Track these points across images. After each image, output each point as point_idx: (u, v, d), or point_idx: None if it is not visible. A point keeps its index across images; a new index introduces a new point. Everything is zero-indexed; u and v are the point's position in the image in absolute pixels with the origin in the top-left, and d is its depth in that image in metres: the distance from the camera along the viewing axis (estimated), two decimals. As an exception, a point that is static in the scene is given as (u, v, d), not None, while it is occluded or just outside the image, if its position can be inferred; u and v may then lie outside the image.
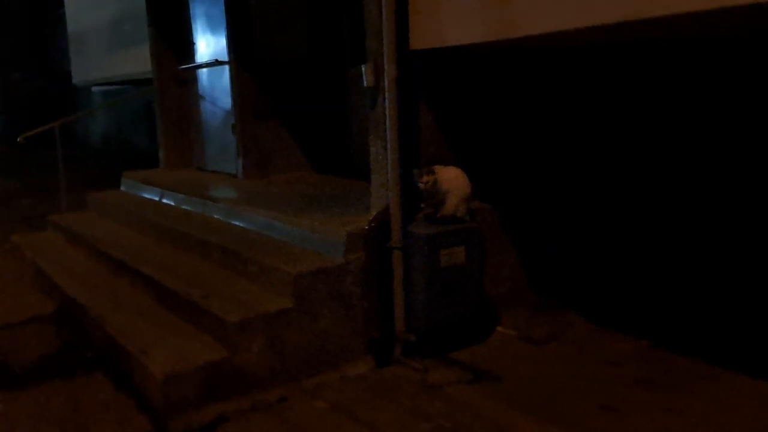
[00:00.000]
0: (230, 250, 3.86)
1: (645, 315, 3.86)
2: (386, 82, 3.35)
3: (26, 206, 8.30)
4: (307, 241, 3.67)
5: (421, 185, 3.45)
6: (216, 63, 5.65)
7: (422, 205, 3.57)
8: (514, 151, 4.07)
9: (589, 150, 4.13)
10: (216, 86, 5.87)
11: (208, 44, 5.91)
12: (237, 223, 4.34)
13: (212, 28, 5.81)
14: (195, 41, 6.15)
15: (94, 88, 12.73)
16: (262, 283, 3.52)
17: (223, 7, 5.47)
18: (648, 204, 3.95)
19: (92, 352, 3.75)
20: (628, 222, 4.07)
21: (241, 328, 3.14)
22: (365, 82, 3.56)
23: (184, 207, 5.05)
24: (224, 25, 5.51)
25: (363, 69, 3.55)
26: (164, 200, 5.36)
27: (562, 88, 4.13)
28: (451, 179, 3.51)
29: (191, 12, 6.16)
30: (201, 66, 5.99)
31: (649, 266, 3.97)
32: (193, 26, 6.15)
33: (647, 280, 3.96)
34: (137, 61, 7.89)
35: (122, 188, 6.27)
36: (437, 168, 3.50)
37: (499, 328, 3.88)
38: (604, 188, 4.07)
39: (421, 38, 3.38)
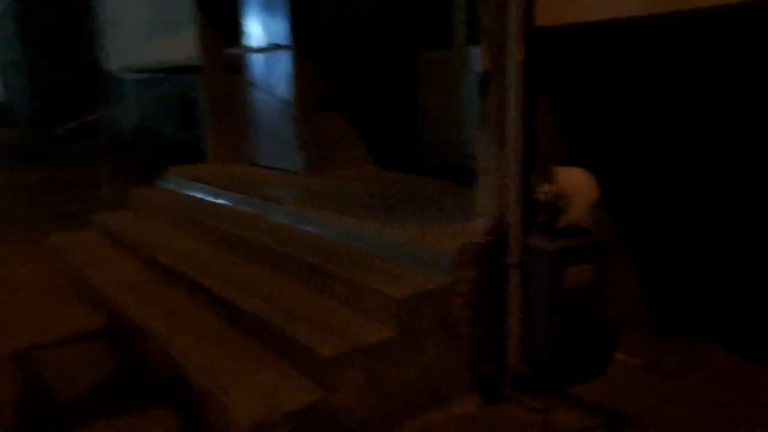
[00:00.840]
0: (309, 263, 3.34)
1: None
2: (511, 67, 2.78)
3: (59, 203, 7.85)
4: (403, 254, 3.13)
5: (541, 195, 2.89)
6: (275, 47, 5.12)
7: (538, 213, 3.02)
8: (635, 150, 3.48)
9: (719, 153, 3.53)
10: (271, 73, 5.34)
11: (263, 27, 5.37)
12: (308, 229, 3.81)
13: (267, 9, 5.27)
14: (246, 24, 5.61)
15: (127, 76, 12.28)
16: (353, 306, 2.99)
17: (281, -14, 4.94)
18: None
19: (152, 378, 3.26)
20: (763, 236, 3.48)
21: (337, 364, 2.61)
22: (479, 67, 3.00)
23: (241, 208, 4.54)
24: (281, 4, 4.97)
25: (476, 52, 3.00)
26: (219, 200, 4.85)
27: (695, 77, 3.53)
28: (575, 183, 2.96)
29: (242, -8, 5.64)
30: (257, 50, 5.46)
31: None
32: (245, 8, 5.61)
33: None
34: (178, 47, 7.39)
35: (167, 185, 5.77)
36: (559, 170, 2.95)
37: (618, 355, 3.32)
38: (741, 195, 3.47)
39: (550, 13, 2.81)
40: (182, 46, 6.78)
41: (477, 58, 3.02)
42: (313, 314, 2.99)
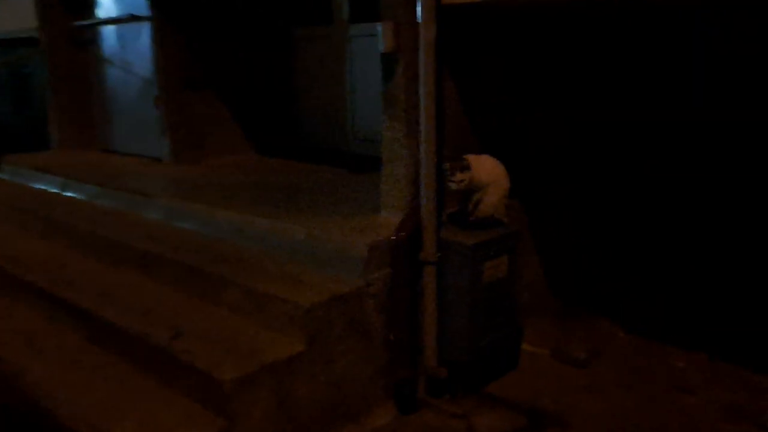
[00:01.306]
0: (193, 267, 2.91)
1: (683, 318, 3.35)
2: (422, 47, 2.52)
3: None
4: (303, 253, 2.80)
5: (453, 185, 2.68)
6: (130, 18, 4.50)
7: (447, 204, 2.82)
8: (539, 136, 3.38)
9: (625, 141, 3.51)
10: (129, 48, 4.71)
11: (116, -5, 4.72)
12: (187, 226, 3.36)
13: (121, -25, 4.63)
14: (96, -9, 4.92)
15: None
16: (251, 317, 2.62)
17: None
18: (676, 200, 3.42)
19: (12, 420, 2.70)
20: (652, 217, 3.53)
21: (240, 388, 2.25)
22: (381, 47, 2.71)
23: (102, 203, 3.95)
24: (139, -31, 4.39)
25: (379, 29, 2.69)
26: (71, 193, 4.20)
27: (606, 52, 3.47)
28: (488, 171, 2.78)
29: (89, -47, 4.92)
30: (110, 22, 4.79)
31: (679, 263, 3.46)
32: (93, -28, 4.92)
33: (677, 278, 3.45)
34: (12, 17, 6.40)
35: (2, 176, 4.97)
36: (471, 159, 2.75)
37: (526, 346, 3.22)
38: (637, 182, 3.48)
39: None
40: (17, 15, 5.86)
41: (378, 36, 2.73)
42: (205, 329, 2.58)
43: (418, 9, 2.63)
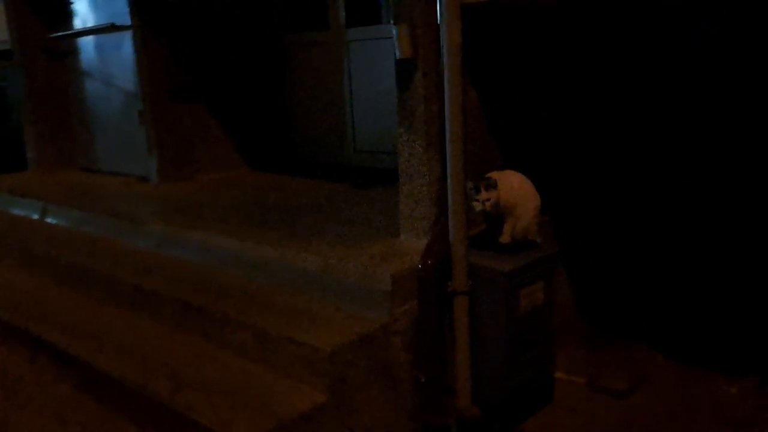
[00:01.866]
0: (192, 305, 2.60)
1: (727, 340, 3.08)
2: (446, 51, 2.24)
3: None
4: (319, 287, 2.51)
5: (479, 205, 2.40)
6: (111, 28, 4.17)
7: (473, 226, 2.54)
8: (552, 139, 3.11)
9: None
10: (110, 59, 4.39)
11: (96, 5, 4.38)
12: (181, 255, 3.06)
13: (99, -18, 4.31)
14: (75, 2, 4.58)
15: None
16: (263, 362, 2.32)
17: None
18: (708, 206, 3.15)
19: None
20: (683, 226, 3.26)
21: (257, 450, 1.95)
22: (397, 53, 2.43)
23: (85, 230, 3.63)
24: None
25: (394, 33, 2.41)
26: (51, 219, 3.87)
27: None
28: (516, 189, 2.51)
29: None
30: (88, 33, 4.45)
31: (715, 276, 3.20)
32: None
33: (716, 294, 3.19)
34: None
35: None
36: (497, 176, 2.47)
37: (560, 375, 2.95)
38: (672, 194, 3.21)
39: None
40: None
41: (394, 41, 2.44)
42: (211, 377, 2.28)
43: (438, 9, 2.36)
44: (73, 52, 4.71)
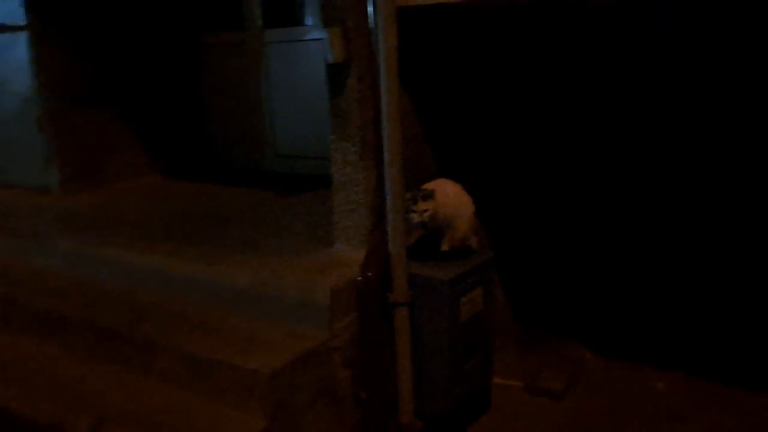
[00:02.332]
0: (112, 330, 2.39)
1: (653, 334, 3.17)
2: (383, 55, 2.15)
3: None
4: (251, 304, 2.36)
5: (416, 216, 2.34)
6: (3, 28, 3.81)
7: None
8: (493, 147, 3.10)
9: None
10: (2, 62, 4.00)
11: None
12: (94, 275, 2.81)
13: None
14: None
15: None
16: (193, 388, 2.15)
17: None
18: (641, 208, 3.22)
19: None
20: (612, 227, 3.33)
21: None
22: (329, 57, 2.32)
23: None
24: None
25: (326, 37, 2.30)
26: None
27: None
28: (452, 197, 2.47)
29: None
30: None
31: (644, 274, 3.28)
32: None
33: (643, 292, 3.27)
34: None
35: None
36: (433, 185, 2.42)
37: (497, 380, 2.93)
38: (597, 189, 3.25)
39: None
40: None
41: (326, 45, 2.33)
42: (135, 409, 2.09)
43: (370, 12, 2.28)
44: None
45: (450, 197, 2.45)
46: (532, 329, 3.30)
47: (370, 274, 2.27)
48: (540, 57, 2.97)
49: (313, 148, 3.92)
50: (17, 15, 3.75)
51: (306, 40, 3.89)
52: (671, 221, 2.94)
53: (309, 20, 3.98)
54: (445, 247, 2.45)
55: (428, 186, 2.41)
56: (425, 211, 2.35)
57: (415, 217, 2.35)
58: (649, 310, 3.12)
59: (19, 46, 3.81)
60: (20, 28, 3.77)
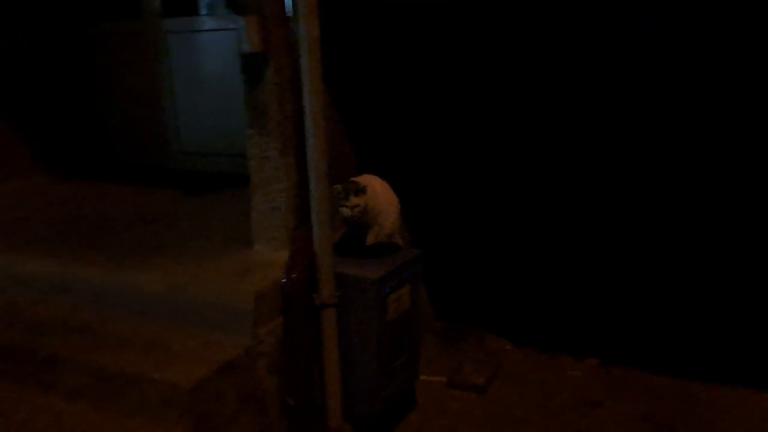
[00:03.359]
0: (7, 347, 2.15)
1: (567, 323, 3.26)
2: (304, 45, 2.05)
3: None
4: (167, 312, 2.20)
5: (347, 210, 2.27)
6: None
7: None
8: (415, 142, 3.07)
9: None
10: None
11: None
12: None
13: None
14: None
15: None
16: (105, 406, 1.97)
17: None
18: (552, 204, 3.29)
19: None
20: (527, 220, 3.38)
21: None
22: (246, 46, 2.20)
23: None
24: None
25: (242, 25, 2.17)
26: None
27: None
28: (380, 194, 2.41)
29: None
30: None
31: (557, 267, 3.37)
32: None
33: (556, 284, 3.36)
34: None
35: None
36: (363, 179, 2.36)
37: (422, 376, 2.91)
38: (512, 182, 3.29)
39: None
40: None
41: (242, 35, 2.21)
42: (40, 429, 1.89)
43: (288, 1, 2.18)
44: None
45: (377, 193, 2.39)
46: (453, 324, 3.31)
47: (294, 275, 2.16)
48: (462, 49, 2.95)
49: (221, 145, 3.75)
50: None
51: (207, 30, 3.72)
52: (585, 213, 3.02)
53: (204, 10, 3.79)
54: (370, 242, 2.39)
55: (359, 179, 2.34)
56: (356, 206, 2.28)
57: (346, 212, 2.28)
58: (566, 302, 3.20)
59: None
60: None
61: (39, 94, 3.90)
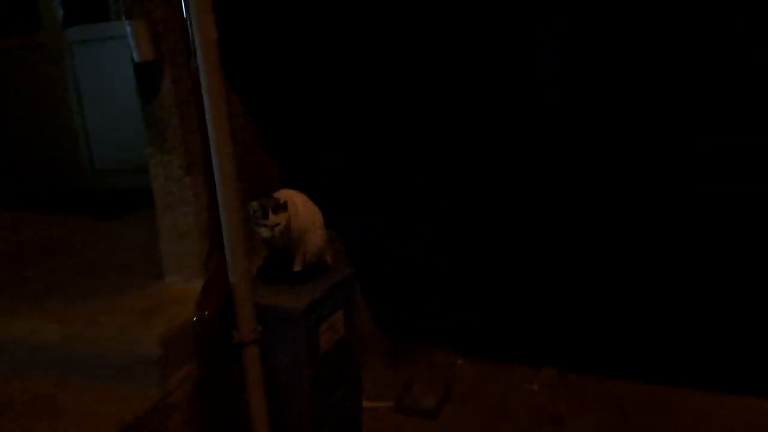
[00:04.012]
0: None
1: (518, 331, 3.07)
2: (201, 50, 1.78)
3: None
4: (63, 363, 1.90)
5: (266, 231, 2.01)
6: None
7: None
8: (342, 147, 2.83)
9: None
10: None
11: None
12: None
13: None
14: None
15: None
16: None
17: None
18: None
19: None
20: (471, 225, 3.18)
21: None
22: (136, 55, 1.92)
23: None
24: None
25: (129, 31, 1.89)
26: None
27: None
28: (302, 210, 2.15)
29: None
30: None
31: (504, 273, 3.18)
32: None
33: (504, 290, 3.16)
34: None
35: None
36: (283, 195, 2.10)
37: (365, 403, 2.67)
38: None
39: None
40: None
41: (129, 42, 1.93)
42: None
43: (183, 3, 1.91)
44: None
45: (299, 209, 2.13)
46: (400, 340, 3.09)
47: (207, 312, 1.89)
48: (381, 50, 2.73)
49: (136, 161, 3.43)
50: None
51: (115, 37, 3.39)
52: (527, 213, 2.84)
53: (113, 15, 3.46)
54: (297, 268, 2.13)
55: (278, 195, 2.08)
56: (277, 225, 2.01)
57: (265, 232, 2.01)
58: (516, 306, 3.01)
59: None
60: None
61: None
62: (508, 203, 2.84)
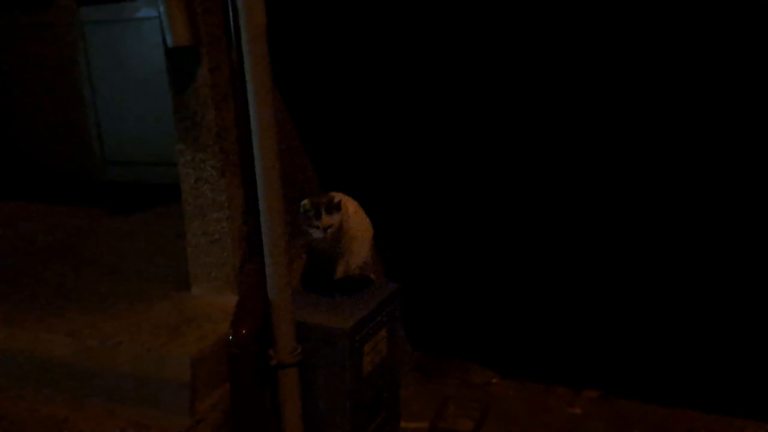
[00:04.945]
0: None
1: (557, 350, 2.87)
2: (247, 36, 1.57)
3: None
4: (76, 382, 1.70)
5: (318, 232, 1.81)
6: None
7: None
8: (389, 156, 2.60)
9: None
10: None
11: None
12: None
13: None
14: None
15: None
16: None
17: None
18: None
19: None
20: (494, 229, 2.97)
21: None
22: (170, 39, 1.70)
23: None
24: None
25: (162, 11, 1.67)
26: None
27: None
28: (353, 216, 1.96)
29: None
30: None
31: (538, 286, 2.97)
32: None
33: (539, 306, 2.96)
34: None
35: None
36: (338, 195, 1.90)
37: (401, 423, 2.47)
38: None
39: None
40: None
41: (164, 24, 1.71)
42: None
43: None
44: None
45: (350, 214, 1.93)
46: (432, 355, 2.88)
47: (243, 330, 1.69)
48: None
49: (155, 152, 3.22)
50: None
51: (133, 19, 3.17)
52: (583, 237, 2.63)
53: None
54: (339, 276, 1.93)
55: (334, 195, 1.88)
56: (330, 226, 1.81)
57: (318, 234, 1.81)
58: (557, 323, 2.81)
59: None
60: None
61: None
62: (555, 221, 2.63)
